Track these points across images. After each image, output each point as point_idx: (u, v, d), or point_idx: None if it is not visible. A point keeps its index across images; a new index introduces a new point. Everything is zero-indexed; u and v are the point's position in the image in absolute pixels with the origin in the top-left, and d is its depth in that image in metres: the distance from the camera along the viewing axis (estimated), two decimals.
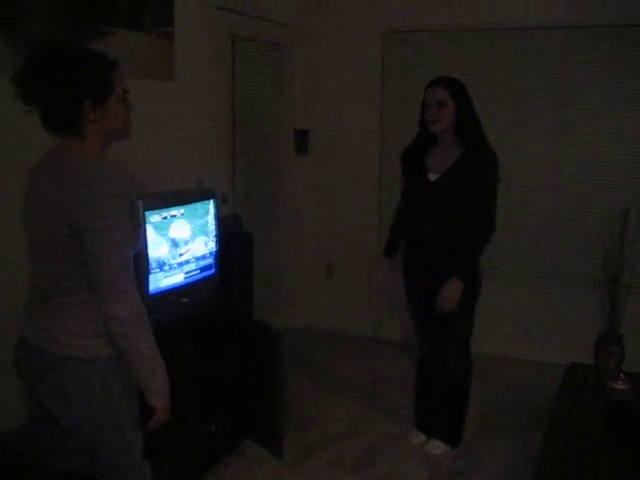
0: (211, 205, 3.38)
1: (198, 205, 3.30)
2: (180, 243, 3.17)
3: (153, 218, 2.95)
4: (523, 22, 4.68)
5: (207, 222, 3.36)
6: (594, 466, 2.65)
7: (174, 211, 3.09)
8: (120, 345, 1.97)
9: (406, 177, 3.60)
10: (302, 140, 5.34)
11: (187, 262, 3.24)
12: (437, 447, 3.68)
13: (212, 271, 3.44)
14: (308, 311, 5.57)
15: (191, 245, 3.25)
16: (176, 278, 3.17)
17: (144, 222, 2.75)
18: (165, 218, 3.03)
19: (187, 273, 3.24)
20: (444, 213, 3.37)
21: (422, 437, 3.78)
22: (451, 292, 3.33)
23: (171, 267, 3.12)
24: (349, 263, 5.39)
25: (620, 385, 3.12)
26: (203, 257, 3.35)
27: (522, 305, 4.97)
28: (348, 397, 4.34)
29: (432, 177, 3.39)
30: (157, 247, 3.01)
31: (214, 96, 4.25)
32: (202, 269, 3.35)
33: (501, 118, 4.79)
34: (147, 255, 2.90)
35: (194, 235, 3.25)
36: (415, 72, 4.96)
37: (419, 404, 3.84)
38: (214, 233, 3.42)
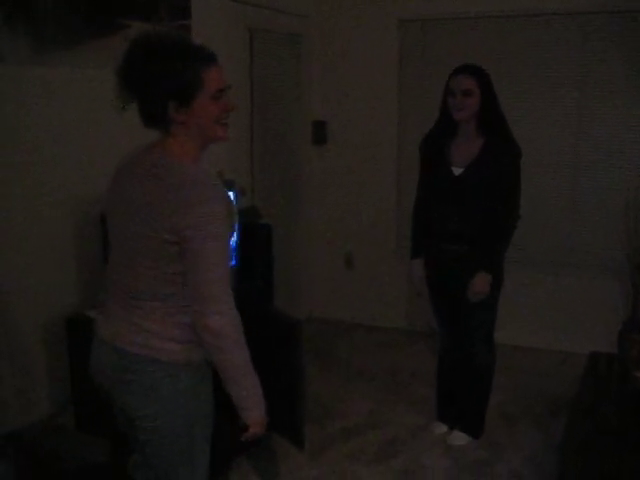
0: (231, 197, 3.38)
1: None
2: None
3: None
4: (540, 9, 4.62)
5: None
6: (617, 456, 2.62)
7: None
8: (215, 358, 1.90)
9: (426, 169, 3.55)
10: (320, 131, 5.33)
11: None
12: (459, 438, 3.67)
13: (232, 262, 3.43)
14: (328, 302, 5.57)
15: None
16: None
17: None
18: None
19: None
20: (469, 207, 3.35)
21: (444, 428, 3.77)
22: (481, 285, 3.34)
23: None
24: (368, 253, 5.38)
25: None
26: None
27: (544, 294, 4.93)
28: (368, 388, 4.34)
29: (456, 171, 3.35)
30: None
31: (232, 88, 4.24)
32: None
33: (518, 105, 4.73)
34: None
35: None
36: (432, 61, 4.93)
37: (441, 395, 3.82)
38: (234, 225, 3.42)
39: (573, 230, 4.82)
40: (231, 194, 3.42)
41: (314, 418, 3.87)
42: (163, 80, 1.82)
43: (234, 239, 3.43)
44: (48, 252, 2.91)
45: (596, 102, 4.63)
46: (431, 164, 3.49)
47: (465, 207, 3.35)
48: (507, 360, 4.72)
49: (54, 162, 2.90)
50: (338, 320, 5.50)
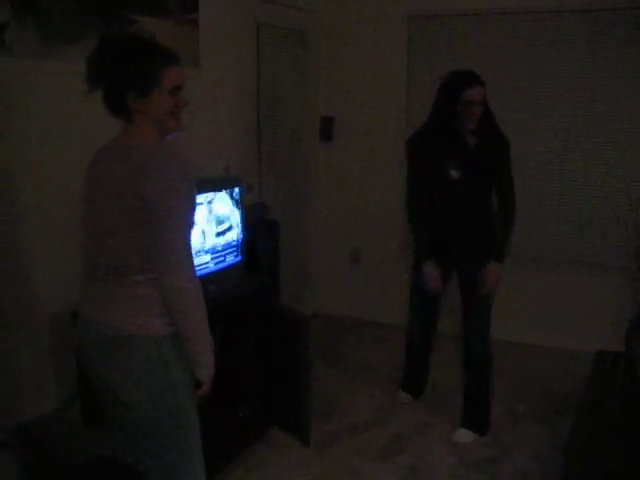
0: (237, 192, 3.38)
1: (224, 192, 3.30)
2: (207, 230, 3.17)
3: None
4: (549, 5, 4.60)
5: (233, 210, 3.36)
6: (621, 454, 2.61)
7: (201, 198, 3.09)
8: (178, 320, 2.04)
9: (422, 169, 3.61)
10: (327, 127, 5.32)
11: (214, 249, 3.24)
12: (465, 436, 3.67)
13: (239, 258, 3.44)
14: (334, 298, 5.57)
15: (218, 232, 3.25)
16: (203, 265, 3.17)
17: None
18: None
19: (214, 260, 3.25)
20: (470, 206, 3.50)
21: (408, 397, 4.05)
22: (495, 276, 3.50)
23: (198, 254, 3.12)
24: (375, 250, 5.38)
25: None
26: (230, 244, 3.36)
27: (551, 292, 4.92)
28: (374, 385, 4.33)
29: (454, 174, 3.45)
30: None
31: (239, 83, 4.24)
32: (229, 256, 3.36)
33: (526, 101, 4.74)
34: None
35: (220, 222, 3.25)
36: (440, 57, 4.91)
37: (410, 365, 4.07)
38: (240, 220, 3.42)
39: (580, 228, 4.79)
40: (237, 190, 3.43)
41: (319, 414, 3.87)
42: (125, 73, 2.04)
43: (239, 234, 3.43)
44: (55, 246, 2.91)
45: (605, 98, 4.59)
46: (429, 165, 3.54)
47: (467, 207, 3.50)
48: (514, 358, 4.72)
49: (62, 156, 2.90)
50: (344, 316, 5.50)
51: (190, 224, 2.07)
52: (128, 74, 2.04)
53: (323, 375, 4.39)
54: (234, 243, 3.40)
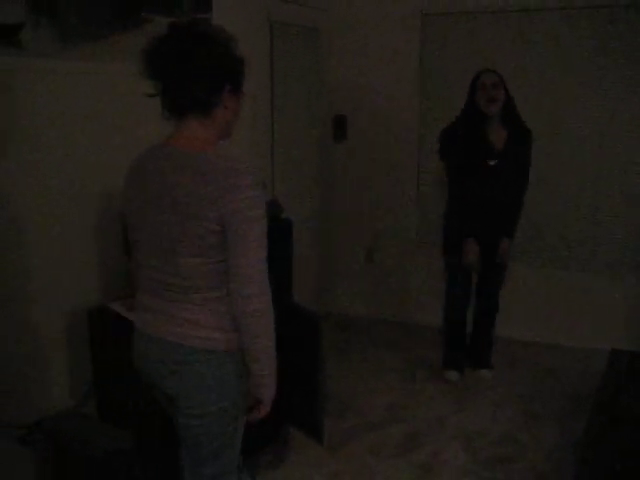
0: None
1: None
2: None
3: None
4: (561, 3, 4.57)
5: None
6: (636, 453, 2.60)
7: None
8: (249, 342, 1.95)
9: (456, 159, 3.98)
10: (341, 126, 5.32)
11: None
12: (487, 373, 4.39)
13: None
14: (348, 296, 5.57)
15: None
16: None
17: None
18: None
19: None
20: (504, 193, 3.97)
21: (456, 374, 4.37)
22: (505, 248, 4.13)
23: None
24: (389, 248, 5.37)
25: None
26: None
27: (564, 291, 4.91)
28: (388, 383, 4.34)
29: (490, 162, 3.90)
30: None
31: (252, 82, 4.23)
32: None
33: (541, 98, 4.72)
34: None
35: None
36: (454, 55, 4.90)
37: (453, 343, 4.44)
38: None
39: (596, 227, 4.77)
40: None
41: (334, 412, 3.88)
42: (225, 62, 1.92)
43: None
44: (70, 245, 2.93)
45: (618, 94, 4.56)
46: (464, 156, 3.94)
47: (501, 194, 3.97)
48: (529, 357, 4.71)
49: (76, 156, 2.92)
50: (358, 315, 5.50)
51: (266, 240, 1.92)
52: (230, 64, 1.94)
53: (337, 373, 4.40)
54: None
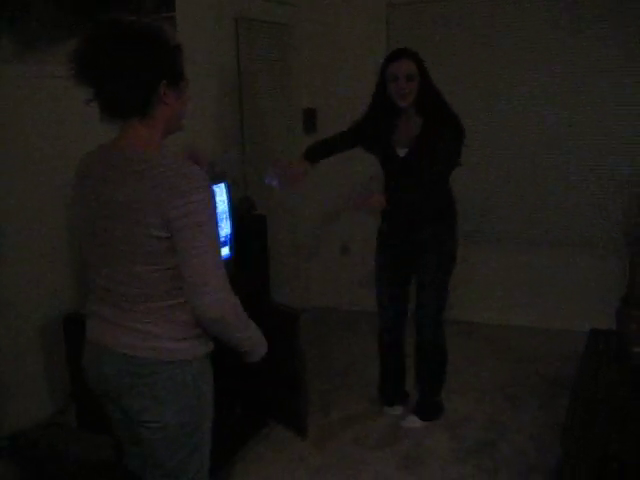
0: (223, 189, 3.37)
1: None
2: None
3: None
4: None
5: (219, 206, 3.34)
6: (620, 433, 2.62)
7: None
8: (220, 337, 1.95)
9: (368, 150, 3.64)
10: (310, 119, 5.30)
11: None
12: (413, 422, 3.72)
13: (227, 254, 3.42)
14: (325, 290, 5.57)
15: None
16: None
17: None
18: None
19: None
20: (416, 185, 3.33)
21: (399, 409, 3.86)
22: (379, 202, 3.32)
23: None
24: (363, 241, 5.35)
25: None
26: None
27: (541, 272, 4.94)
28: (368, 375, 4.34)
29: (401, 152, 3.39)
30: None
31: (220, 79, 4.22)
32: None
33: (509, 83, 4.74)
34: None
35: None
36: (421, 43, 4.88)
37: (387, 376, 3.90)
38: (227, 216, 3.41)
39: (569, 207, 4.79)
40: (223, 186, 3.41)
41: (316, 407, 3.88)
42: (158, 57, 1.80)
43: (228, 230, 3.42)
44: (44, 251, 2.89)
45: (587, 78, 4.59)
46: (375, 147, 3.55)
47: (413, 185, 3.33)
48: (506, 341, 4.74)
49: (44, 162, 2.87)
50: (335, 308, 5.50)
51: (219, 241, 1.85)
52: (162, 58, 1.81)
53: (317, 367, 4.39)
54: (222, 239, 3.38)
